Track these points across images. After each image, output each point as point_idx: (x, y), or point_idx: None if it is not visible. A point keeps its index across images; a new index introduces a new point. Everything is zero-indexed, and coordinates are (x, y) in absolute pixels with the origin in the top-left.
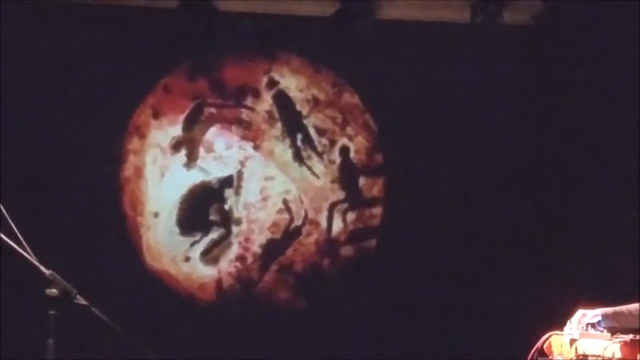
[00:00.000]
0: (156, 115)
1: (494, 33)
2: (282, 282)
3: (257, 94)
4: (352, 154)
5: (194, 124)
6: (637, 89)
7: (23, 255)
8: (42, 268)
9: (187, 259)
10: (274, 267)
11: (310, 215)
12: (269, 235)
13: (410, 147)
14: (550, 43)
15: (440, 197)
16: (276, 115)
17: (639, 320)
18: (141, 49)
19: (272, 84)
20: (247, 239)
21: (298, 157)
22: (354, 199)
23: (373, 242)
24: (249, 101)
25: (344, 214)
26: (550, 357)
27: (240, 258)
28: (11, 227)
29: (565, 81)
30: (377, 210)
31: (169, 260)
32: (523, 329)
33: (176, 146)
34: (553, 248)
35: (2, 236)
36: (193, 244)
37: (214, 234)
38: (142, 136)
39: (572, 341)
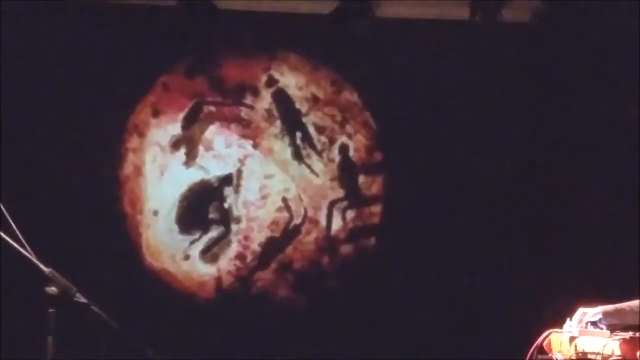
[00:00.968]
0: (155, 113)
1: (493, 31)
2: (281, 280)
3: (256, 92)
4: (351, 152)
5: (194, 122)
6: (637, 88)
7: (22, 253)
8: (42, 266)
9: (187, 257)
10: (273, 265)
11: (310, 213)
12: (269, 234)
13: (409, 145)
14: (549, 41)
15: (440, 195)
16: (275, 113)
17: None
18: (140, 47)
19: (272, 82)
20: (246, 237)
21: (297, 155)
22: (354, 197)
23: (372, 240)
24: (248, 99)
25: (343, 212)
26: (550, 354)
27: (240, 256)
28: (10, 225)
29: (565, 79)
30: (377, 209)
31: (169, 259)
32: (523, 326)
33: (175, 144)
34: (553, 247)
35: (2, 234)
36: (192, 242)
37: (213, 232)
38: (142, 134)
39: (572, 339)
